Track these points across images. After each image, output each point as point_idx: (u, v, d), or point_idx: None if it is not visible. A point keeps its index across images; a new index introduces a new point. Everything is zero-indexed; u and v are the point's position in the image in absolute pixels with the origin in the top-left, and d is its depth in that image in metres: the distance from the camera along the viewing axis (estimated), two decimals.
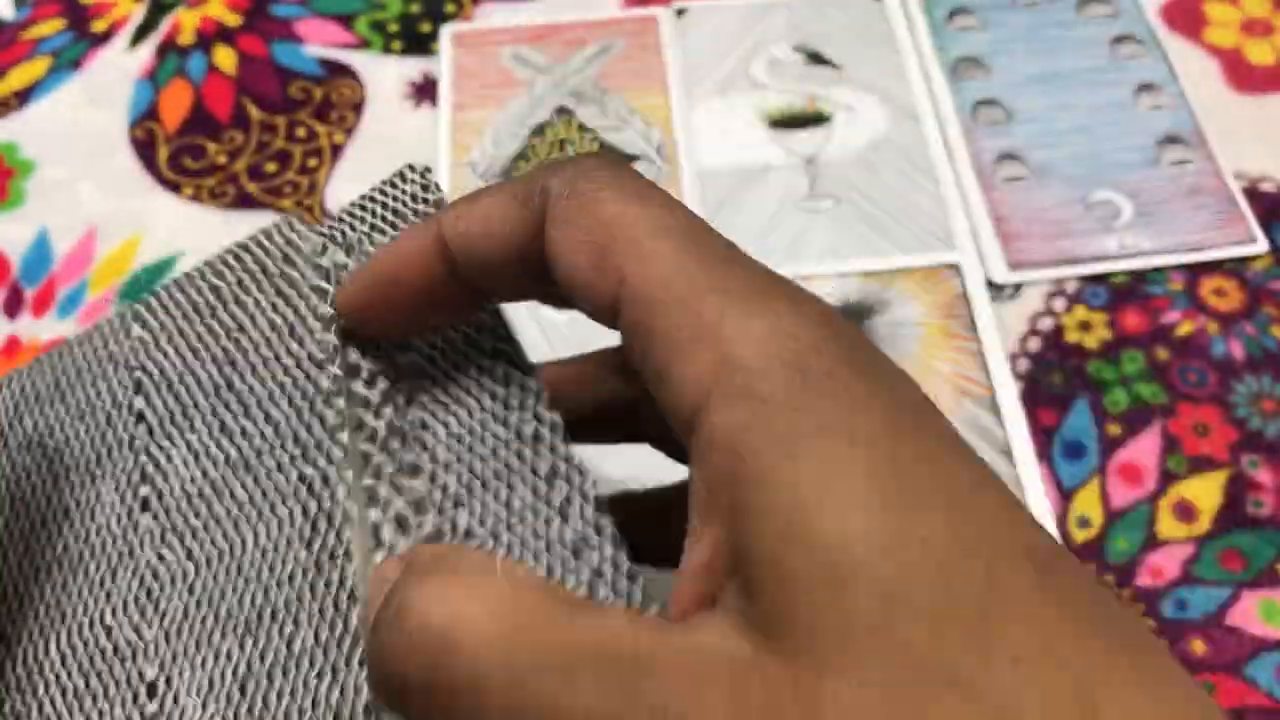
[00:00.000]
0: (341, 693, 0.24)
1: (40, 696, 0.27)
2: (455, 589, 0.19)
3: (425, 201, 0.33)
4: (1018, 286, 0.51)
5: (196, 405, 0.29)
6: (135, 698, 0.26)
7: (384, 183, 0.33)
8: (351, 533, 0.25)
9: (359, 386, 0.28)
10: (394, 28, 0.62)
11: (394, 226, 0.32)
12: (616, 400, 0.29)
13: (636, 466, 0.44)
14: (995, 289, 0.50)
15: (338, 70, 0.60)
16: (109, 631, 0.27)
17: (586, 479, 0.25)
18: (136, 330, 0.31)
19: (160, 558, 0.27)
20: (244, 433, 0.28)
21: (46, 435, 0.30)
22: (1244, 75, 0.57)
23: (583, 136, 0.56)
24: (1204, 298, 0.50)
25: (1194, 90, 0.56)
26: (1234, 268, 0.51)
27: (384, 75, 0.60)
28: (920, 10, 0.61)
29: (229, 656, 0.25)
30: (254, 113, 0.59)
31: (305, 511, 0.26)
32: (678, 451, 0.28)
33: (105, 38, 0.63)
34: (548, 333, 0.49)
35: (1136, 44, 0.58)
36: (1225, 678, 0.41)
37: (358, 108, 0.59)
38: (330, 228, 0.33)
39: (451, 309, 0.26)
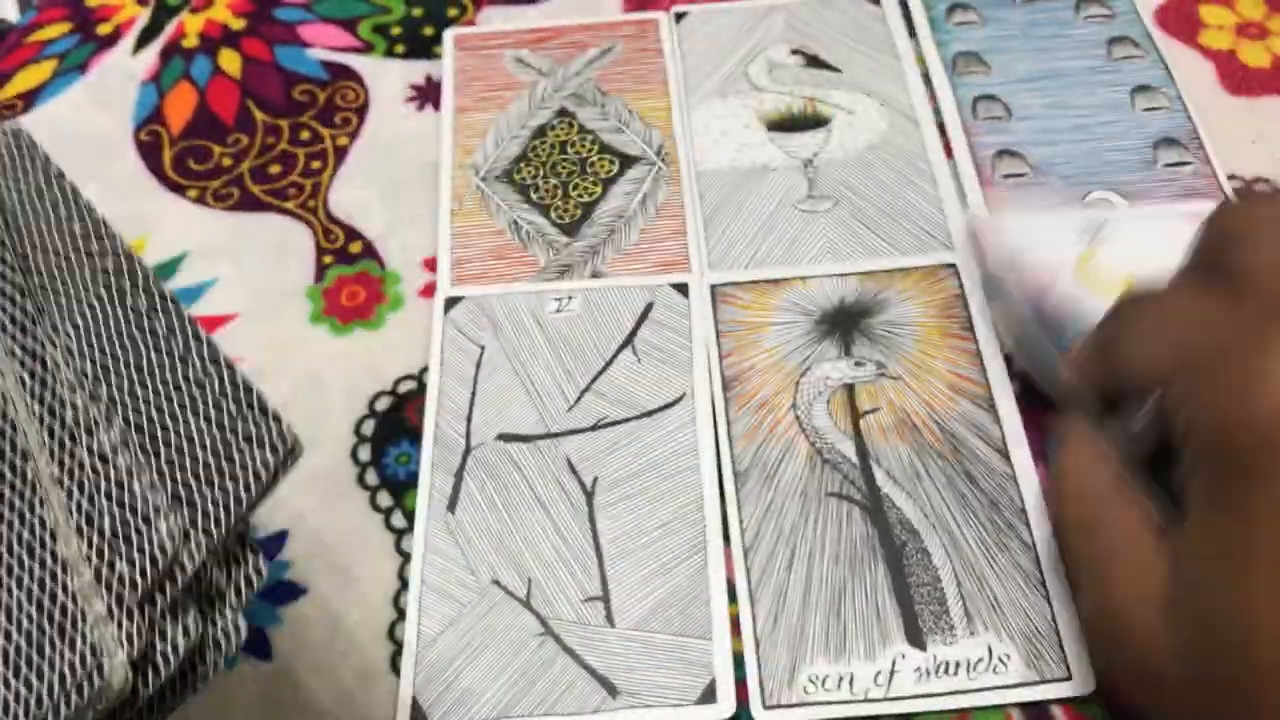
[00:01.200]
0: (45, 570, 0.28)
1: None
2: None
3: (20, 149, 0.37)
4: None
5: None
6: None
7: None
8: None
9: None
10: (397, 31, 0.63)
11: None
12: None
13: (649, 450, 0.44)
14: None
15: (341, 73, 0.61)
16: None
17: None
18: None
19: None
20: None
21: None
22: (1239, 78, 0.57)
23: (583, 139, 0.57)
24: None
25: (1189, 92, 0.57)
26: None
27: (387, 78, 0.61)
28: (920, 6, 0.61)
29: None
30: (258, 115, 0.59)
31: None
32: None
33: (111, 41, 0.63)
34: (545, 328, 0.50)
35: (1132, 45, 0.58)
36: None
37: (361, 111, 0.59)
38: None
39: None
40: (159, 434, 0.31)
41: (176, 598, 0.29)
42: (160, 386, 0.31)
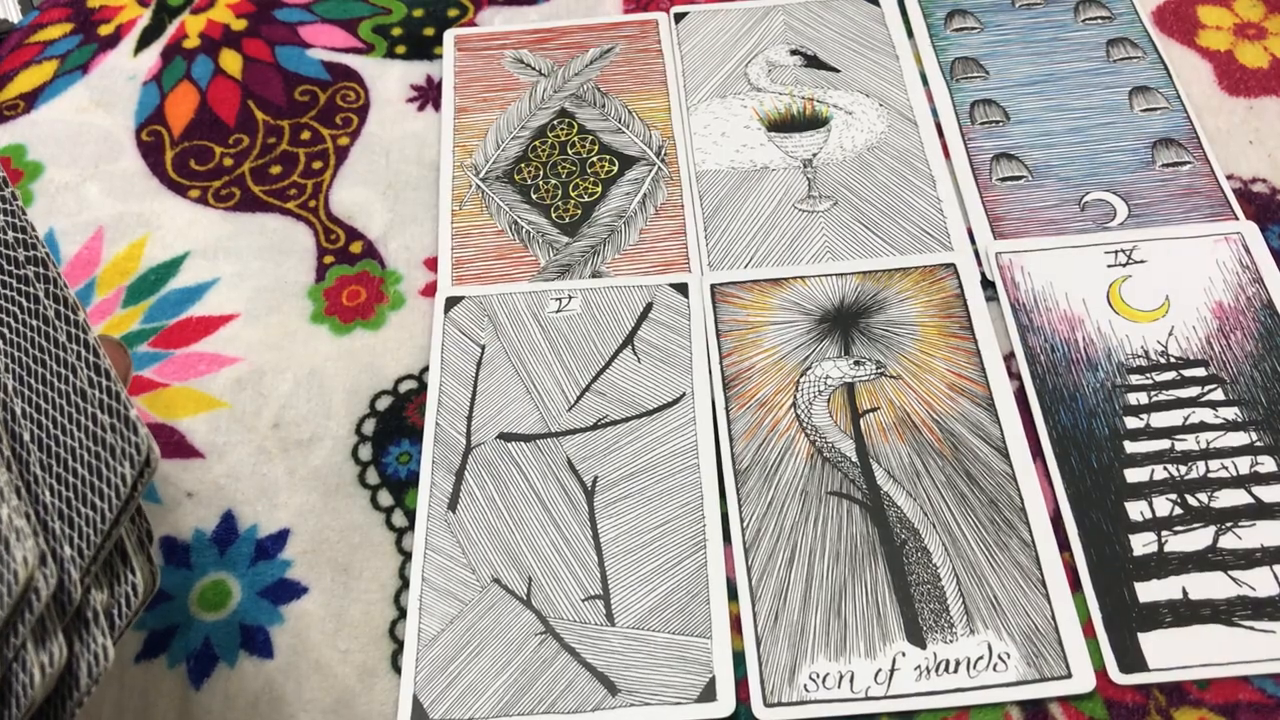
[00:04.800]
0: None
1: None
2: None
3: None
4: None
5: None
6: None
7: None
8: None
9: None
10: (398, 32, 0.63)
11: None
12: None
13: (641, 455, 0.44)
14: (991, 288, 0.51)
15: (342, 74, 0.61)
16: None
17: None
18: None
19: None
20: None
21: None
22: (1237, 78, 0.58)
23: (583, 139, 0.57)
24: None
25: (1187, 93, 0.57)
26: None
27: (388, 79, 0.61)
28: (919, 12, 0.61)
29: None
30: (259, 116, 0.59)
31: None
32: None
33: (112, 42, 0.63)
34: (546, 328, 0.50)
35: (1131, 46, 0.59)
36: None
37: (362, 111, 0.59)
38: None
39: None
40: (52, 447, 0.31)
41: (41, 623, 0.28)
42: (57, 398, 0.32)
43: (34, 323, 0.33)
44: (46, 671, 0.28)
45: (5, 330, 0.33)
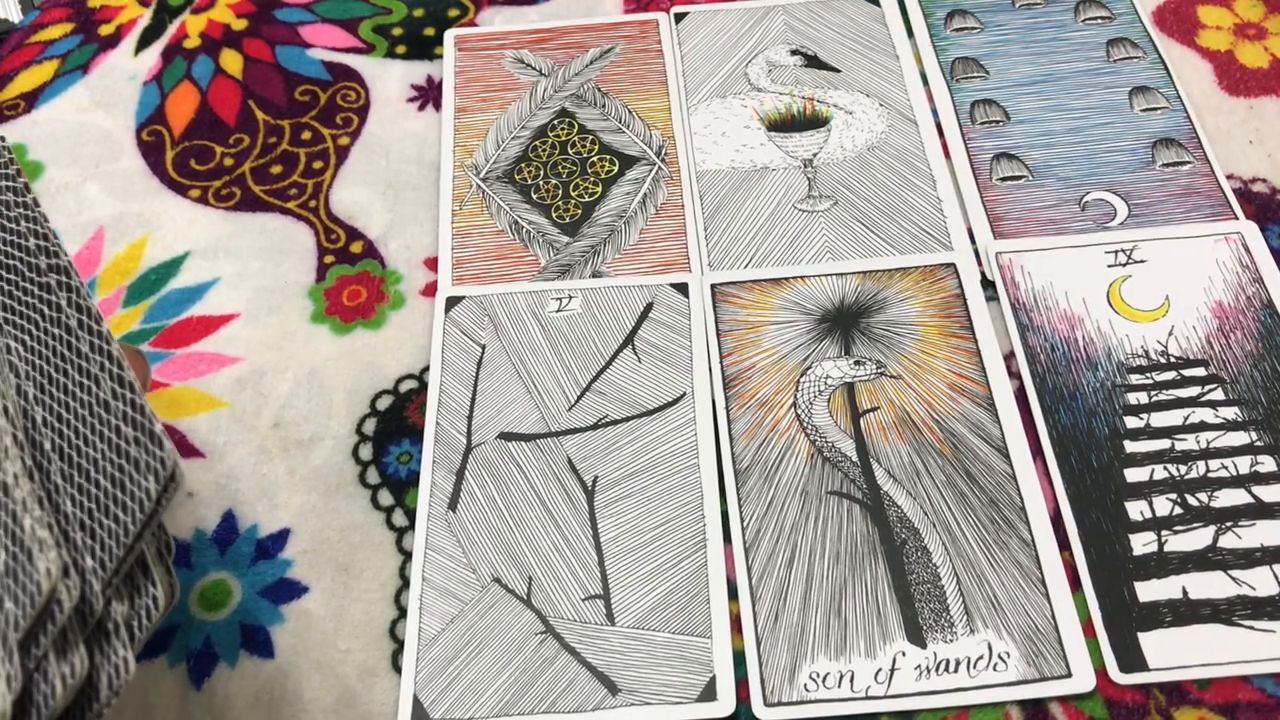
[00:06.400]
0: None
1: None
2: None
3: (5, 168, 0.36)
4: None
5: None
6: None
7: None
8: None
9: None
10: (398, 32, 0.63)
11: None
12: None
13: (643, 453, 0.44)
14: (991, 288, 0.51)
15: (342, 73, 0.61)
16: None
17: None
18: None
19: None
20: None
21: None
22: (1237, 78, 0.58)
23: (583, 139, 0.57)
24: None
25: (1188, 93, 0.57)
26: None
27: (388, 79, 0.61)
28: (919, 12, 0.61)
29: None
30: (260, 115, 0.59)
31: None
32: None
33: (112, 42, 0.63)
34: (546, 327, 0.50)
35: (1131, 46, 0.59)
36: None
37: (362, 111, 0.59)
38: None
39: None
40: (74, 457, 0.31)
41: (63, 634, 0.28)
42: (79, 409, 0.31)
43: (56, 331, 0.32)
44: (68, 683, 0.28)
45: (26, 338, 0.33)
